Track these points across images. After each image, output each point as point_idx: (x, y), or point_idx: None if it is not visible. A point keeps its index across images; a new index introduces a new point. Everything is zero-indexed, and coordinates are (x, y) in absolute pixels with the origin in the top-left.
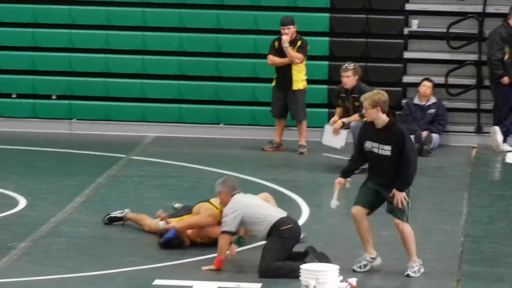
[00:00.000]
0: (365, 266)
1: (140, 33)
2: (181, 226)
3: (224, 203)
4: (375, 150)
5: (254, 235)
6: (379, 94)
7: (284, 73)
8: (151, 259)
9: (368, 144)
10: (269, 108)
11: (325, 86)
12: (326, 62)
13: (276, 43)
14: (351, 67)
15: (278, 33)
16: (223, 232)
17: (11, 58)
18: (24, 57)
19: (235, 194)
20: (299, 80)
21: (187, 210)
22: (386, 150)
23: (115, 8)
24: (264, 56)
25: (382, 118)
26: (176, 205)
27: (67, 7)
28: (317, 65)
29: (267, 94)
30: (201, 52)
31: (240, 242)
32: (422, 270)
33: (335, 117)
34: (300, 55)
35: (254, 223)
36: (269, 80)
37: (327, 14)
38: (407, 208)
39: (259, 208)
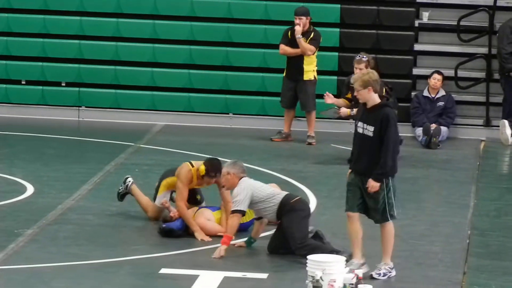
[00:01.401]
0: (384, 274)
1: (151, 22)
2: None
3: (230, 185)
4: (360, 130)
5: (264, 215)
6: (369, 74)
7: (295, 63)
8: (158, 248)
9: (358, 124)
10: (278, 98)
11: (335, 77)
12: (336, 53)
13: (289, 33)
14: (365, 59)
15: (289, 23)
16: (234, 212)
17: (21, 45)
18: (34, 43)
19: (243, 177)
20: (309, 70)
21: (171, 172)
22: (369, 130)
23: None
24: (274, 46)
25: (373, 98)
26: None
27: None
28: (327, 56)
29: (277, 84)
30: (211, 41)
31: (251, 243)
32: (391, 274)
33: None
34: (312, 47)
35: (263, 202)
36: (279, 70)
37: (338, 5)
38: (389, 206)
39: (266, 188)
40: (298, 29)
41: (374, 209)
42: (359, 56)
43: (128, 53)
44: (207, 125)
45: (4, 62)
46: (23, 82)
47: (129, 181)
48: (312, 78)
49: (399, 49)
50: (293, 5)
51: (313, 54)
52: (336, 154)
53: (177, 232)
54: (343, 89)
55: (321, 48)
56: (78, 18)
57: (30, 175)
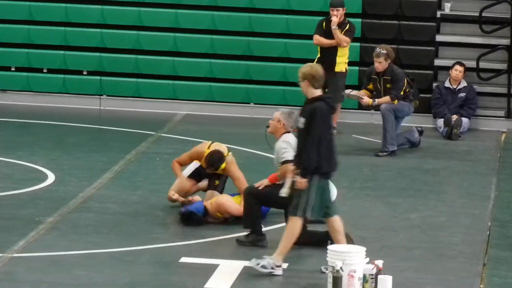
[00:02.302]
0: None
1: (173, 11)
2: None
3: (274, 132)
4: (299, 124)
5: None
6: (308, 67)
7: (329, 55)
8: (179, 237)
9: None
10: (299, 89)
11: (356, 68)
12: (358, 44)
13: (324, 24)
14: (384, 52)
15: (311, 13)
16: (286, 162)
17: (43, 33)
18: (56, 32)
19: (289, 132)
20: (341, 62)
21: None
22: (301, 122)
23: None
24: (296, 36)
25: (311, 92)
26: None
27: None
28: (349, 47)
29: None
30: (233, 31)
31: None
32: (274, 272)
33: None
34: (347, 39)
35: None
36: (300, 60)
37: None
38: (308, 201)
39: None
40: (335, 20)
41: (294, 200)
42: (378, 50)
43: (149, 42)
44: (228, 114)
45: (26, 50)
46: (45, 71)
47: None
48: (344, 70)
49: (421, 40)
50: None
51: (347, 45)
52: (357, 144)
53: (197, 216)
54: (365, 80)
55: None
56: (100, 7)
57: (51, 163)
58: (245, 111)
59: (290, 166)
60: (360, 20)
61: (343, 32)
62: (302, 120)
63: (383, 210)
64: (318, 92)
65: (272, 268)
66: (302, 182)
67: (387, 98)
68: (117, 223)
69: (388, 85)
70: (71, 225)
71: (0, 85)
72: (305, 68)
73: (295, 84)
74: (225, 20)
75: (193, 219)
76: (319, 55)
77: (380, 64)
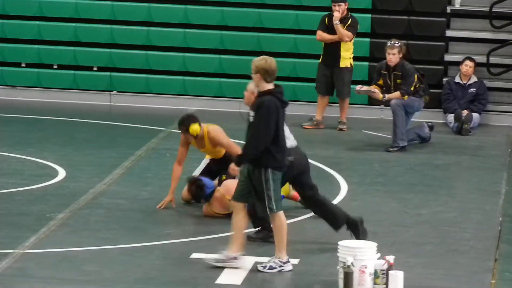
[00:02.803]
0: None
1: (183, 7)
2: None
3: (249, 104)
4: (250, 117)
5: None
6: (262, 60)
7: (332, 50)
8: (189, 233)
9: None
10: (310, 84)
11: (366, 63)
12: (368, 39)
13: (327, 19)
14: (397, 44)
15: (320, 8)
16: None
17: (54, 29)
18: (66, 28)
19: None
20: (346, 57)
21: None
22: (251, 116)
23: None
24: (306, 32)
25: (262, 85)
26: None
27: None
28: (359, 42)
29: (308, 70)
30: (243, 26)
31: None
32: (284, 269)
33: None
34: (350, 34)
35: None
36: (310, 56)
37: None
38: (270, 197)
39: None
40: (337, 15)
41: (258, 199)
42: (391, 42)
43: (159, 38)
44: (238, 110)
45: (36, 46)
46: (55, 67)
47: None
48: (349, 66)
49: (431, 35)
50: None
51: (350, 40)
52: (367, 140)
53: (205, 192)
54: (375, 76)
55: None
56: (110, 3)
57: (61, 159)
58: None
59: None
60: (370, 15)
61: (345, 27)
62: (251, 114)
63: (394, 206)
64: (269, 86)
65: (281, 266)
66: (234, 169)
67: (397, 94)
68: (128, 219)
69: (398, 81)
70: (82, 221)
71: (11, 81)
72: (258, 61)
73: (305, 80)
74: (235, 16)
75: (201, 194)
76: (323, 51)
77: (394, 56)
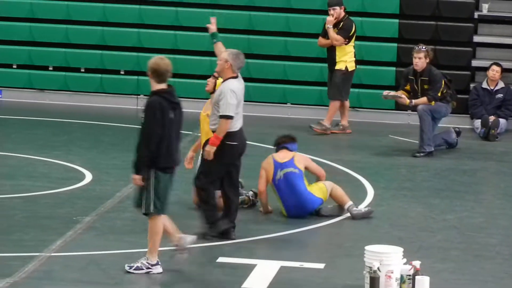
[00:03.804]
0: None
1: (210, 11)
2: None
3: (220, 73)
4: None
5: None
6: (153, 60)
7: (330, 54)
8: (216, 236)
9: None
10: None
11: (393, 68)
12: (395, 44)
13: (325, 25)
14: (424, 49)
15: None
16: (227, 117)
17: (81, 33)
18: (93, 32)
19: (235, 77)
20: (341, 61)
21: None
22: (142, 117)
23: None
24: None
25: (152, 86)
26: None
27: None
28: (386, 47)
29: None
30: (270, 31)
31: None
32: (152, 271)
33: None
34: (339, 37)
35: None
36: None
37: None
38: (149, 197)
39: (241, 105)
40: (329, 19)
41: (142, 198)
42: (418, 47)
43: (187, 42)
44: (265, 114)
45: (63, 50)
46: (82, 70)
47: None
48: (343, 68)
49: (458, 40)
50: None
51: (340, 44)
52: (394, 145)
53: None
54: (402, 81)
55: (379, 39)
56: (137, 6)
57: (88, 162)
58: (282, 111)
59: (228, 123)
60: (397, 20)
61: (337, 31)
62: (142, 115)
63: (420, 211)
64: (158, 86)
65: (148, 268)
66: (135, 178)
67: (424, 99)
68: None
69: (425, 86)
70: (108, 225)
71: (38, 84)
72: (150, 61)
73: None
74: (261, 20)
75: None
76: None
77: (420, 60)
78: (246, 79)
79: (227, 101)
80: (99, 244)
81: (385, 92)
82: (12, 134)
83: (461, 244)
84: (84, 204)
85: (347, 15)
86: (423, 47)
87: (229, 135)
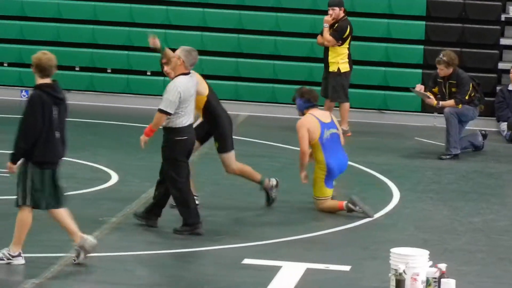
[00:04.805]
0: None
1: (237, 12)
2: None
3: (174, 69)
4: None
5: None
6: (35, 55)
7: (324, 54)
8: (241, 238)
9: None
10: (361, 91)
11: (420, 71)
12: (422, 46)
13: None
14: (444, 59)
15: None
16: (163, 112)
17: (108, 33)
18: (120, 32)
19: (186, 73)
20: (334, 62)
21: None
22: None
23: None
24: (357, 39)
25: (36, 80)
26: None
27: None
28: (412, 49)
29: (360, 76)
30: (296, 32)
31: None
32: (13, 262)
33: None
34: (330, 38)
35: (176, 113)
36: (362, 63)
37: None
38: (24, 190)
39: (191, 101)
40: (326, 18)
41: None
42: (439, 57)
43: (213, 43)
44: (291, 116)
45: (90, 50)
46: (109, 71)
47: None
48: (335, 70)
49: (484, 43)
50: None
51: (332, 45)
52: (419, 147)
53: None
54: (429, 83)
55: (405, 41)
56: (164, 7)
57: (114, 163)
58: (273, 111)
59: (163, 118)
60: (424, 22)
61: (331, 32)
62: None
63: (446, 214)
64: (41, 81)
65: (9, 259)
66: (11, 167)
67: (451, 102)
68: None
69: (453, 89)
70: (134, 226)
71: (65, 84)
72: (33, 56)
73: (359, 86)
74: (289, 22)
75: None
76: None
77: (442, 71)
78: (272, 80)
79: (168, 97)
80: (125, 245)
81: (418, 87)
82: None
83: (487, 247)
84: (110, 205)
85: (345, 17)
86: (443, 57)
87: (178, 131)
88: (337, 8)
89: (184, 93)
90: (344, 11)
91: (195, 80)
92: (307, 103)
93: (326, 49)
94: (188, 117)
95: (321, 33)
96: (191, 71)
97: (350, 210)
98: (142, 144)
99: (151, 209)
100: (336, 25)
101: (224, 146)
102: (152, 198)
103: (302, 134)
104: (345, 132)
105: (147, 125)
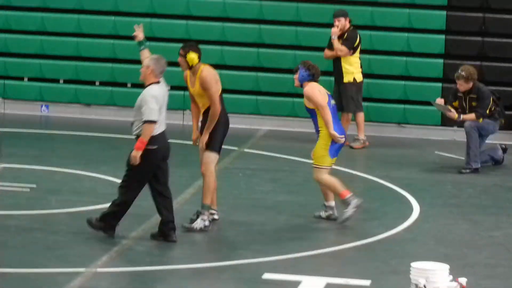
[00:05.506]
0: None
1: (257, 26)
2: None
3: (143, 79)
4: None
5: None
6: None
7: (336, 66)
8: (261, 253)
9: None
10: (381, 104)
11: (440, 84)
12: (441, 60)
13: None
14: (462, 75)
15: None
16: (149, 122)
17: (128, 48)
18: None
19: (157, 82)
20: (348, 72)
21: None
22: None
23: (232, 1)
24: (376, 53)
25: None
26: None
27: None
28: (431, 63)
29: (380, 90)
30: (316, 46)
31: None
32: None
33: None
34: (343, 48)
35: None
36: (381, 77)
37: (444, 12)
38: None
39: (163, 110)
40: (334, 30)
41: None
42: (458, 72)
43: (233, 57)
44: (311, 130)
45: (110, 65)
46: (129, 85)
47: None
48: (351, 80)
49: (505, 56)
50: (397, 12)
51: (345, 55)
52: (440, 161)
53: None
54: (450, 97)
55: (425, 55)
56: (184, 22)
57: None
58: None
59: (152, 127)
60: (443, 36)
61: (341, 42)
62: None
63: (466, 228)
64: None
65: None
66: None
67: (472, 115)
68: (200, 239)
69: (473, 103)
70: (154, 240)
71: (85, 99)
72: None
73: (376, 100)
74: (308, 35)
75: None
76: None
77: (461, 86)
78: (292, 95)
79: (149, 106)
80: (145, 260)
81: (438, 100)
82: (59, 149)
83: (507, 261)
84: (130, 219)
85: (352, 27)
86: (462, 73)
87: (150, 140)
88: (342, 19)
89: (158, 100)
90: (350, 22)
91: (165, 89)
92: (310, 77)
93: (337, 62)
94: (160, 126)
95: (328, 47)
96: (161, 80)
97: (345, 205)
98: (136, 160)
99: (162, 225)
100: (346, 35)
101: (210, 144)
102: (160, 216)
103: (315, 94)
104: (362, 141)
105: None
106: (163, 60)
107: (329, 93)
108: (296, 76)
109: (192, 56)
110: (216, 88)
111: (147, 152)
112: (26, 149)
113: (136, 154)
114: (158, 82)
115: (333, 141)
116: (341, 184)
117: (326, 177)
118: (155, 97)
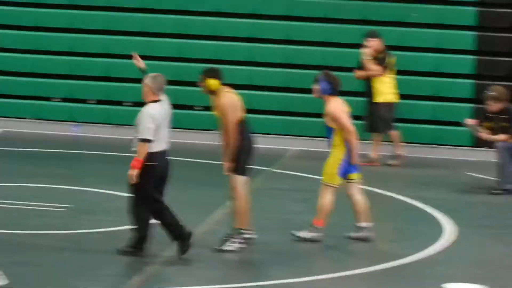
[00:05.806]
0: None
1: (285, 46)
2: None
3: (145, 98)
4: None
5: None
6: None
7: (368, 86)
8: (291, 274)
9: None
10: (411, 125)
11: (470, 105)
12: (472, 81)
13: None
14: (491, 94)
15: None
16: (144, 141)
17: (156, 69)
18: (167, 67)
19: (157, 100)
20: (380, 93)
21: None
22: None
23: (259, 20)
24: (407, 74)
25: None
26: None
27: (213, 18)
28: (463, 83)
29: (410, 111)
30: (345, 67)
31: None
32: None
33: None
34: (377, 67)
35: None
36: (411, 97)
37: (474, 32)
38: None
39: (163, 127)
40: (366, 50)
41: None
42: (488, 93)
43: (261, 78)
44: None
45: (139, 85)
46: None
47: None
48: (383, 101)
49: None
50: (427, 32)
51: (377, 75)
52: (471, 182)
53: None
54: (481, 118)
55: (454, 75)
56: (212, 43)
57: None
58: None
59: (145, 146)
60: (474, 57)
61: (374, 62)
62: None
63: (499, 249)
64: None
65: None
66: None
67: (504, 136)
68: (234, 259)
69: (504, 124)
70: (187, 260)
71: (115, 119)
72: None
73: (408, 121)
74: (335, 56)
75: None
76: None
77: (491, 106)
78: (321, 115)
79: (144, 125)
80: (179, 280)
81: (469, 121)
82: (89, 169)
83: None
84: (163, 239)
85: (385, 48)
86: (491, 93)
87: (148, 157)
88: (376, 39)
89: (155, 119)
90: (382, 42)
91: (167, 107)
92: (332, 90)
93: (369, 82)
94: (159, 144)
95: (358, 67)
96: (162, 98)
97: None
98: (133, 179)
99: (179, 241)
100: (378, 55)
101: (234, 168)
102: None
103: (340, 115)
104: (373, 160)
105: (197, 160)
106: (161, 77)
107: (348, 109)
108: (316, 86)
109: (211, 82)
110: (232, 116)
111: (146, 168)
112: (60, 169)
113: (132, 173)
114: (158, 100)
115: (344, 160)
116: (328, 214)
117: (329, 198)
118: (152, 116)
